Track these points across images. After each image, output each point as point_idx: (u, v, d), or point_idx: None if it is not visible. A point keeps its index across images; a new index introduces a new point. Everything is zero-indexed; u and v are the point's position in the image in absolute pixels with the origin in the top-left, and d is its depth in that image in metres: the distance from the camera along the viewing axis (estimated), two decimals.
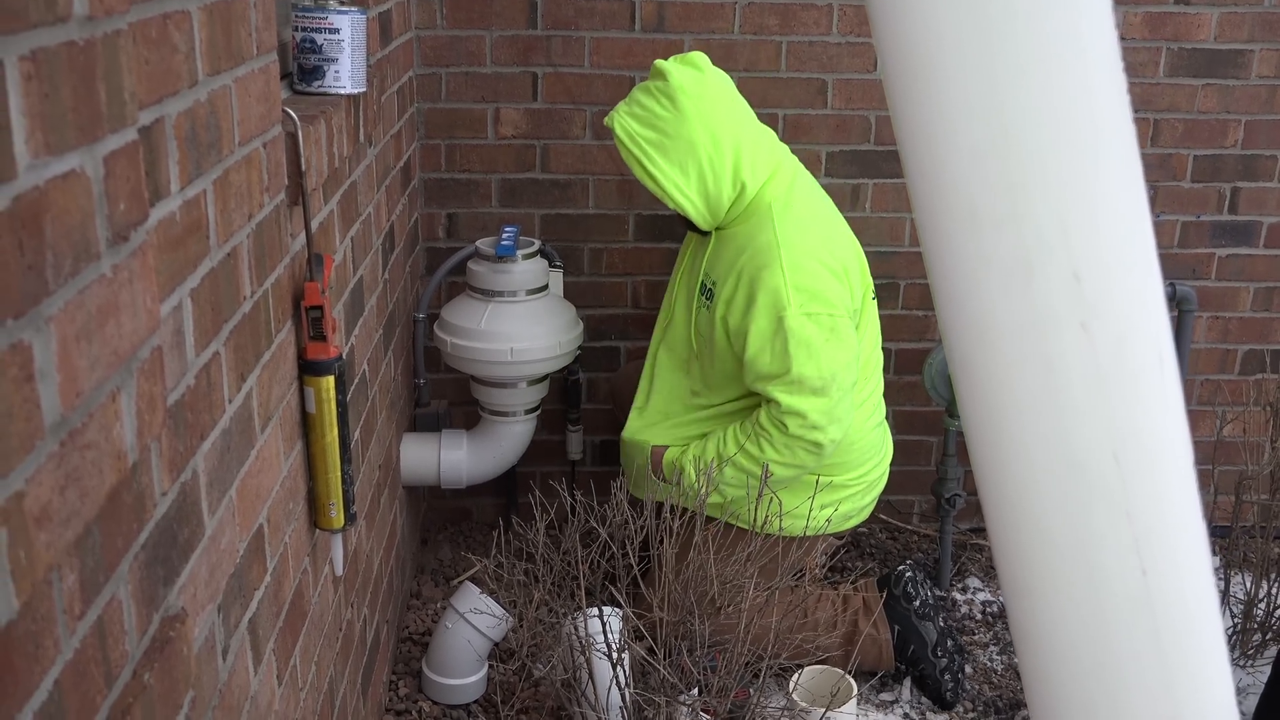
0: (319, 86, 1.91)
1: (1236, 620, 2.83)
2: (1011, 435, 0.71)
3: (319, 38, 1.89)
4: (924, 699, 2.72)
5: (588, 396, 3.31)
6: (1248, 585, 2.84)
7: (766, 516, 2.37)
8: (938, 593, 3.12)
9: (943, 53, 0.67)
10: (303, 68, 1.91)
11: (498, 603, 2.56)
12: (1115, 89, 0.68)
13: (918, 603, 2.68)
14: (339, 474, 1.75)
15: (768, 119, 3.07)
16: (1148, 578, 0.71)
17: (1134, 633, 0.73)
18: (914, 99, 0.69)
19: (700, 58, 2.56)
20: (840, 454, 2.64)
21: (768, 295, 2.46)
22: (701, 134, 2.47)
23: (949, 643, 2.69)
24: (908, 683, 2.73)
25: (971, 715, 2.68)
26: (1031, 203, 0.68)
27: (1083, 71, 0.67)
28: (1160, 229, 3.26)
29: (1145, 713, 0.74)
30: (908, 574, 2.70)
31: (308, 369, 1.68)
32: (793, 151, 2.98)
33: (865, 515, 2.80)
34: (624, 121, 2.51)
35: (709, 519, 2.47)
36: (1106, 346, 0.69)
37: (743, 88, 3.05)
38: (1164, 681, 0.74)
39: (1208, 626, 0.74)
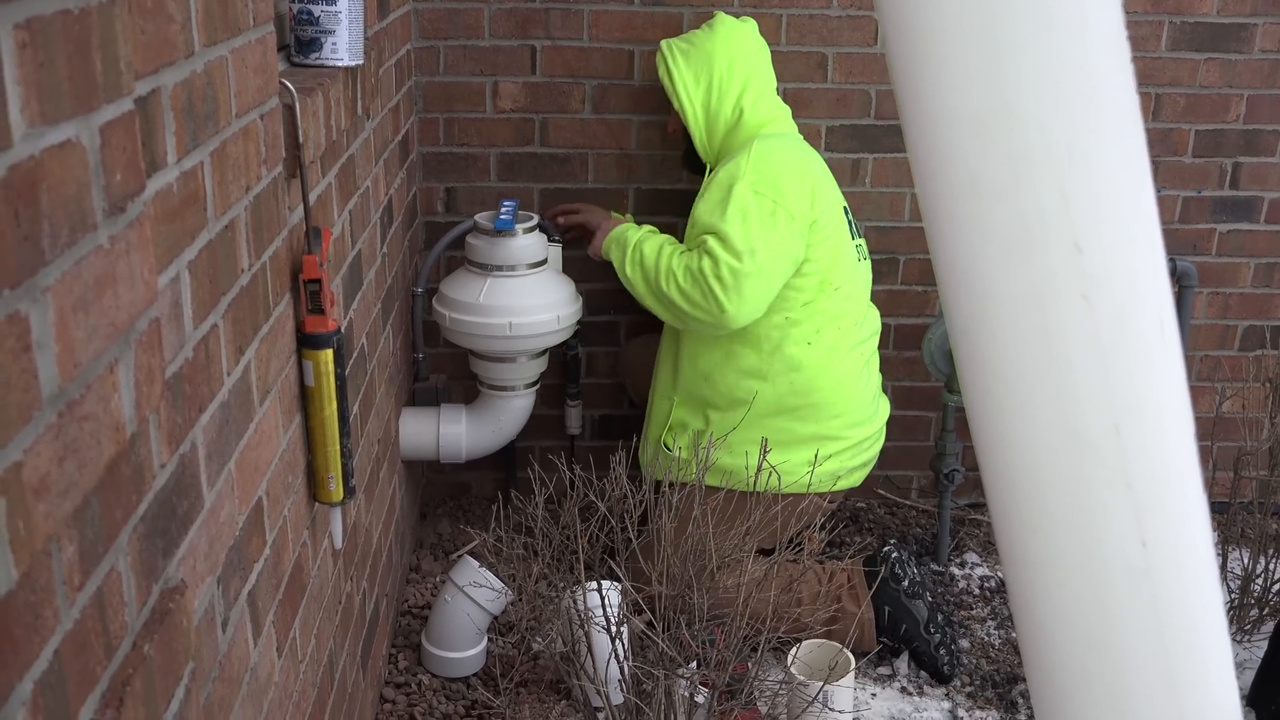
0: (316, 59, 1.90)
1: (1234, 595, 2.84)
2: (1012, 406, 0.71)
3: (316, 9, 1.88)
4: (921, 673, 2.73)
5: (587, 371, 3.31)
6: (1245, 561, 2.85)
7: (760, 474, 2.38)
8: (934, 567, 3.13)
9: (944, 22, 0.67)
10: (300, 40, 1.90)
11: (497, 576, 2.56)
12: (1118, 59, 0.67)
13: (906, 582, 2.70)
14: (338, 447, 1.75)
15: None
16: (1148, 549, 0.71)
17: (1133, 604, 0.73)
18: (915, 69, 0.69)
19: (752, 20, 2.88)
20: (811, 392, 2.73)
21: (726, 172, 2.68)
22: (721, 54, 2.76)
23: (939, 618, 2.70)
24: (905, 657, 2.74)
25: (969, 689, 2.69)
26: (1032, 173, 0.68)
27: (1085, 41, 0.67)
28: (1161, 204, 3.25)
29: (1144, 684, 0.74)
30: (894, 554, 2.71)
31: (306, 342, 1.68)
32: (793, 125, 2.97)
33: (856, 480, 2.83)
34: (669, 39, 2.84)
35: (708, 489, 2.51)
36: (1107, 317, 0.69)
37: None
38: (1163, 652, 0.74)
39: (1207, 598, 0.74)
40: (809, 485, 2.56)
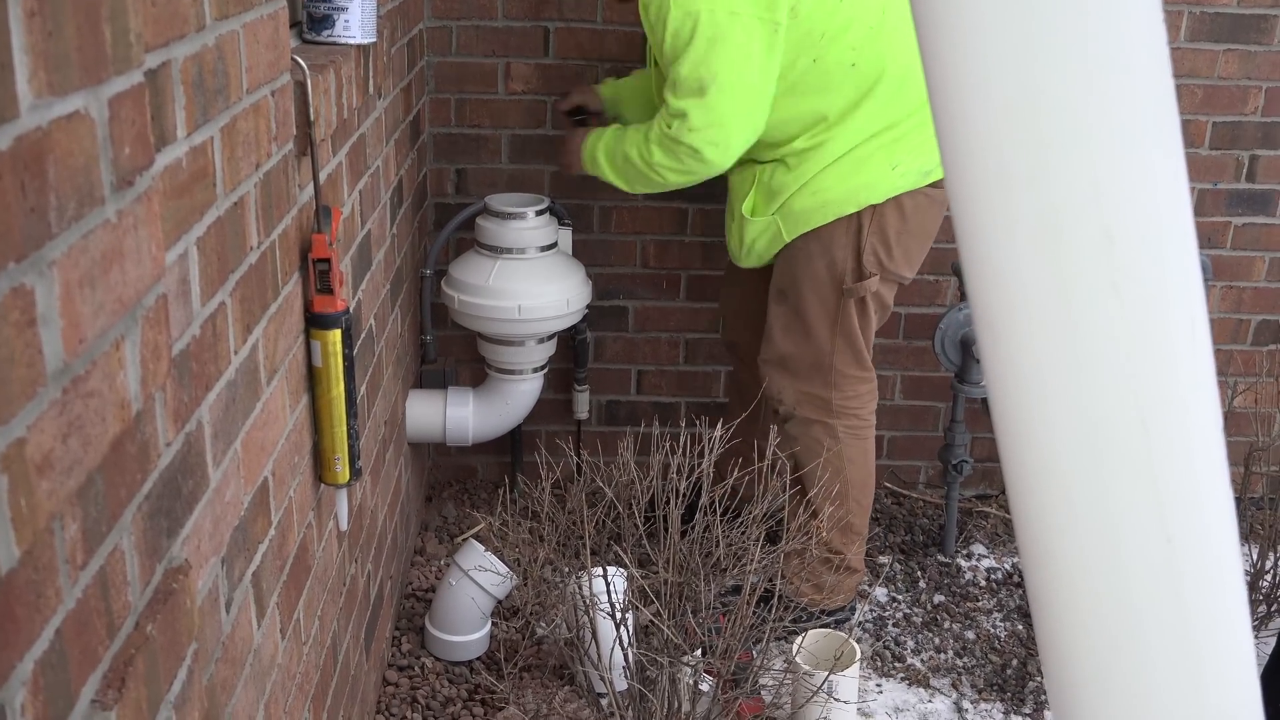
0: (328, 36, 1.88)
1: None
2: (1037, 399, 0.70)
3: None
4: (924, 663, 2.72)
5: (595, 356, 3.30)
6: (1254, 556, 2.83)
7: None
8: (940, 558, 3.12)
9: (976, 3, 0.65)
10: (312, 16, 1.88)
11: (502, 561, 2.55)
12: (1154, 42, 0.65)
13: None
14: (345, 429, 1.74)
15: None
16: (1173, 546, 0.70)
17: (1156, 602, 0.71)
18: (946, 52, 0.67)
19: None
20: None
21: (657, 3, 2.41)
22: None
23: None
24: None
25: (975, 681, 2.68)
26: (1063, 160, 0.66)
27: (1120, 23, 0.65)
28: None
29: (1166, 683, 0.73)
30: None
31: (314, 322, 1.67)
32: None
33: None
34: None
35: None
36: (1138, 309, 0.67)
37: None
38: (1185, 650, 0.72)
39: (1232, 597, 0.73)
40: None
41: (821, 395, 2.66)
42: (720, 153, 2.43)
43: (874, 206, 2.53)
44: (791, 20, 2.40)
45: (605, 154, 2.61)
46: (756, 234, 2.63)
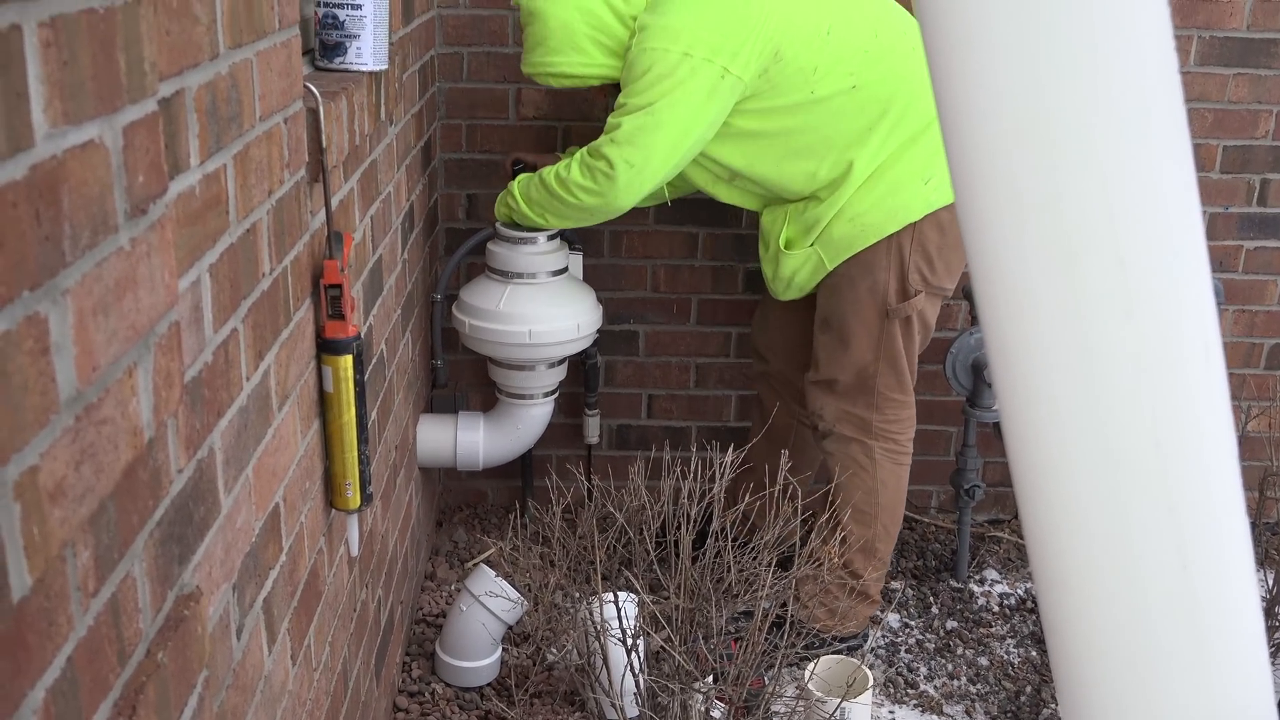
0: (341, 63, 1.89)
1: None
2: (1050, 424, 0.69)
3: (341, 13, 1.87)
4: (937, 688, 2.70)
5: (606, 380, 3.30)
6: (1270, 583, 2.81)
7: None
8: (953, 584, 3.10)
9: (987, 25, 0.65)
10: (325, 44, 1.89)
11: (513, 586, 2.55)
12: (1166, 66, 0.65)
13: None
14: (356, 454, 1.74)
15: None
16: (1188, 572, 0.69)
17: (1172, 629, 0.71)
18: (957, 77, 0.67)
19: None
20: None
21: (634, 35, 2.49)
22: (567, 10, 2.51)
23: None
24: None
25: (993, 703, 2.66)
26: (1076, 184, 0.66)
27: (1132, 47, 0.65)
28: None
29: (1182, 711, 0.72)
30: None
31: (326, 348, 1.67)
32: None
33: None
34: (525, 58, 2.62)
35: None
36: (1151, 334, 0.67)
37: None
38: (1202, 680, 0.72)
39: (1249, 625, 0.72)
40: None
41: (863, 416, 2.66)
42: (632, 175, 2.46)
43: (913, 224, 2.54)
44: (776, 64, 2.44)
45: (519, 187, 2.67)
46: (796, 267, 2.64)
